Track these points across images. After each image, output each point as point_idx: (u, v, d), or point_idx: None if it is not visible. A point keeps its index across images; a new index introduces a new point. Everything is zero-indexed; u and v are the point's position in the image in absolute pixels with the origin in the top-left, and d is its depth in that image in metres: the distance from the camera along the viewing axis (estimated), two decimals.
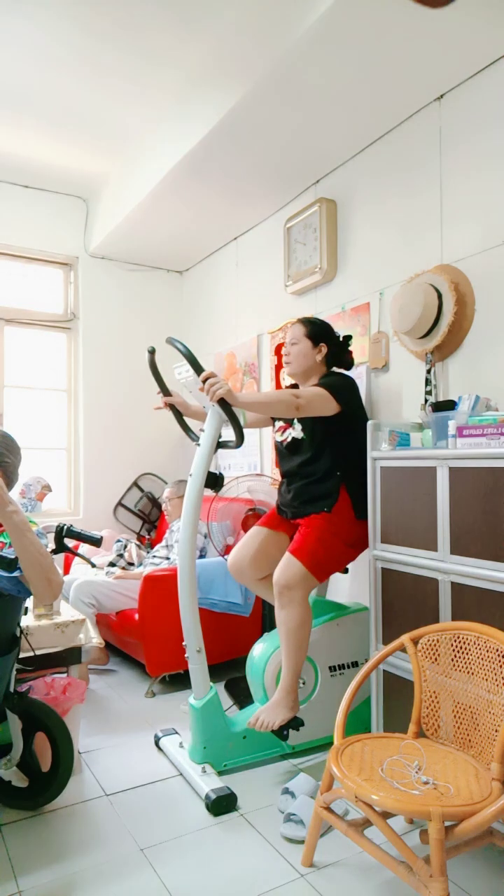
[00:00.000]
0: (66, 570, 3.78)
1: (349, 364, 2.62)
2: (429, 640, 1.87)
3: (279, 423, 2.60)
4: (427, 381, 2.56)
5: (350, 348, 2.63)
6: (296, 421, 2.48)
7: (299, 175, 3.28)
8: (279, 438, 2.58)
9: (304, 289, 3.41)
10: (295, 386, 2.65)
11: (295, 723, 2.32)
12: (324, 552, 2.34)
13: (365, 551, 2.44)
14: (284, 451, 2.56)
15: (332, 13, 2.12)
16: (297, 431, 2.48)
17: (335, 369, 2.60)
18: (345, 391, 2.39)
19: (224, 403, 2.16)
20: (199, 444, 2.32)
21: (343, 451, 2.42)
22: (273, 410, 2.32)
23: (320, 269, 3.21)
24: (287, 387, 2.68)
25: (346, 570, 2.61)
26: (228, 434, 2.25)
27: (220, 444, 2.34)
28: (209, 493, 2.41)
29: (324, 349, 2.52)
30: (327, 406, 2.34)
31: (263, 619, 3.42)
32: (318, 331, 2.54)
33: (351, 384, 2.45)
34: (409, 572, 2.15)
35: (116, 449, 4.51)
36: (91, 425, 4.44)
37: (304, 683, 2.45)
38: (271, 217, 3.76)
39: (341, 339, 2.60)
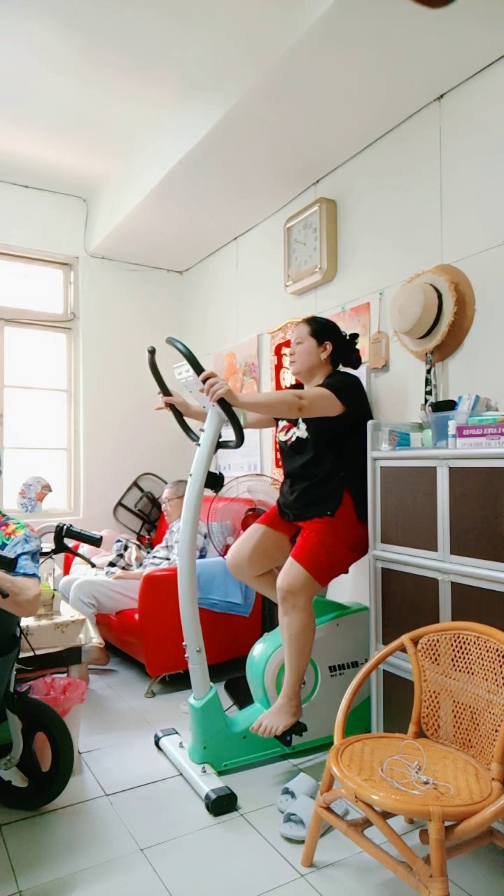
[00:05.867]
0: (66, 571, 3.78)
1: (356, 362, 2.61)
2: (429, 640, 1.87)
3: (283, 423, 2.59)
4: (427, 381, 2.56)
5: (357, 346, 2.61)
6: (300, 420, 2.47)
7: (299, 175, 3.28)
8: (283, 438, 2.57)
9: (304, 289, 3.41)
10: (299, 386, 2.64)
11: (298, 728, 2.31)
12: (326, 556, 2.34)
13: None
14: (288, 451, 2.55)
15: (332, 13, 2.12)
16: (301, 431, 2.47)
17: (341, 368, 2.59)
18: (349, 391, 2.37)
19: (224, 403, 2.16)
20: (199, 444, 2.32)
21: (347, 452, 2.41)
22: (275, 411, 2.31)
23: (320, 269, 3.21)
24: (289, 386, 2.66)
25: (346, 570, 2.61)
26: (228, 434, 2.25)
27: (220, 444, 2.34)
28: (209, 493, 2.41)
29: (329, 347, 2.50)
30: (331, 407, 2.32)
31: (263, 619, 3.42)
32: (322, 329, 2.52)
33: (356, 384, 2.44)
34: (409, 572, 2.15)
35: (116, 449, 4.51)
36: (91, 425, 4.44)
37: (304, 684, 2.45)
38: (271, 217, 3.76)
39: (347, 337, 2.59)
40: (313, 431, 2.43)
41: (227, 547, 3.28)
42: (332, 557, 2.35)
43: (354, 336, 2.60)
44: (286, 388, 2.70)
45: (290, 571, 2.31)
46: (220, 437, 2.33)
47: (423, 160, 2.70)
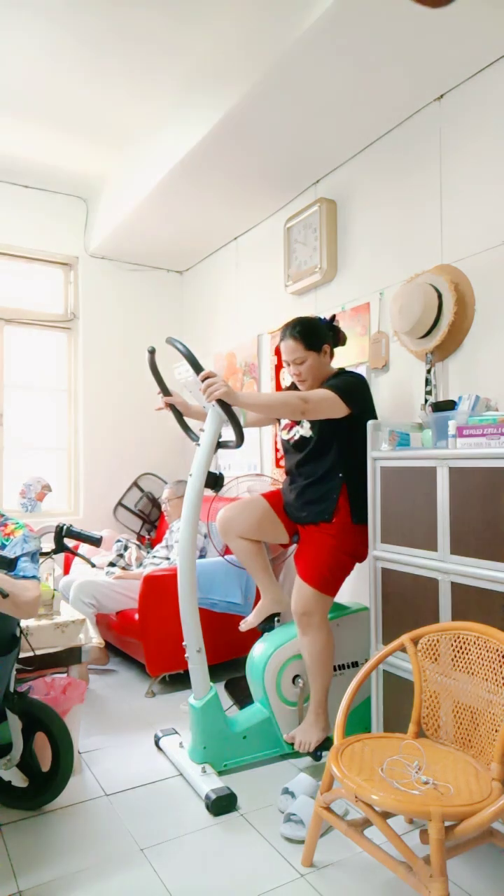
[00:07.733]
0: (66, 570, 3.78)
1: (344, 339, 2.58)
2: (429, 640, 1.87)
3: (285, 421, 2.58)
4: (427, 381, 2.56)
5: (335, 323, 2.57)
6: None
7: (299, 175, 3.28)
8: (285, 436, 2.56)
9: (304, 289, 3.41)
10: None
11: (328, 743, 2.32)
12: (329, 570, 2.36)
13: None
14: (290, 449, 2.54)
15: (332, 13, 2.11)
16: (304, 430, 2.46)
17: (345, 368, 2.57)
18: (355, 394, 2.34)
19: (223, 403, 2.15)
20: (199, 444, 2.32)
21: (349, 452, 2.39)
22: (276, 412, 2.30)
23: (320, 269, 3.21)
24: (289, 386, 2.65)
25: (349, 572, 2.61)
26: (228, 434, 2.25)
27: (220, 444, 2.34)
28: (209, 493, 2.40)
29: (327, 348, 2.48)
30: (335, 410, 2.29)
31: None
32: (313, 337, 2.43)
33: (361, 385, 2.40)
34: (409, 572, 2.15)
35: (116, 449, 4.51)
36: (91, 425, 4.44)
37: (303, 683, 2.45)
38: (271, 217, 3.76)
39: (329, 324, 2.54)
40: (317, 431, 2.41)
41: (228, 548, 3.28)
42: (334, 569, 2.37)
43: (333, 318, 2.57)
44: (286, 388, 2.69)
45: (302, 594, 2.34)
46: (220, 437, 2.33)
47: (423, 160, 2.69)
